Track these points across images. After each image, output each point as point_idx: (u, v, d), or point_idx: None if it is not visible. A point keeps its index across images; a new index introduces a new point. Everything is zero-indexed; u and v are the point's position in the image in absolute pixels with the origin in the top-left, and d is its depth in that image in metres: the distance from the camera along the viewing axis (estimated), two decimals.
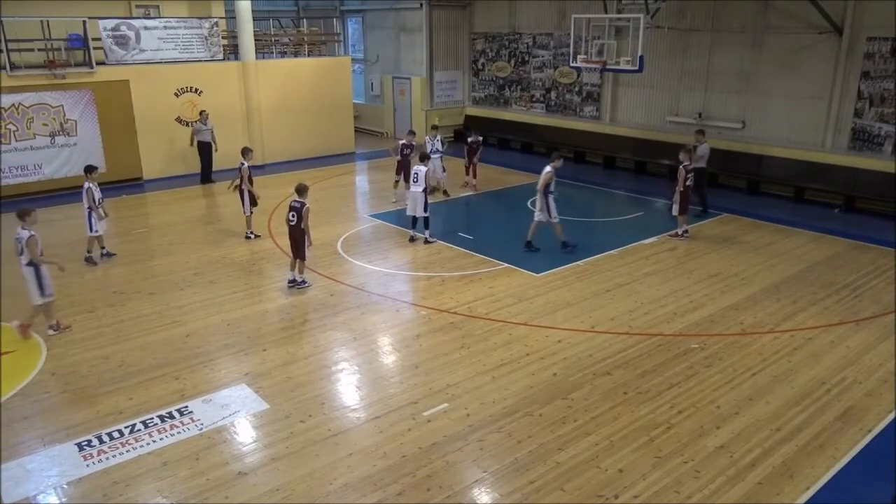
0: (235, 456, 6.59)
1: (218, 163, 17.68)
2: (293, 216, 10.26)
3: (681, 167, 12.68)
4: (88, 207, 11.45)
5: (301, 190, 10.37)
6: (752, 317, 9.60)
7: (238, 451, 6.69)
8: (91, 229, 11.62)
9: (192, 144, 17.38)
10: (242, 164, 12.72)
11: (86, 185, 11.46)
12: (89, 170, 11.64)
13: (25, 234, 8.72)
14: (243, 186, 12.73)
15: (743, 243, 12.81)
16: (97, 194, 11.51)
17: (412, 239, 12.80)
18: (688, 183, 12.66)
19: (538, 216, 11.96)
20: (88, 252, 11.88)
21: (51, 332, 9.12)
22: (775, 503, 5.92)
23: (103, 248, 12.05)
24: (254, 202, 12.92)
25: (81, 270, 11.48)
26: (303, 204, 10.22)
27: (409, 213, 12.66)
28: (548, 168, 11.76)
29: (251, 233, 13.12)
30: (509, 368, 8.16)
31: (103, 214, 11.63)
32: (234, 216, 13.88)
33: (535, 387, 7.75)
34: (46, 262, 8.99)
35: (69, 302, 10.17)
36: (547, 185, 11.69)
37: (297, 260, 10.55)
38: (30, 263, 8.80)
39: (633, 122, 19.43)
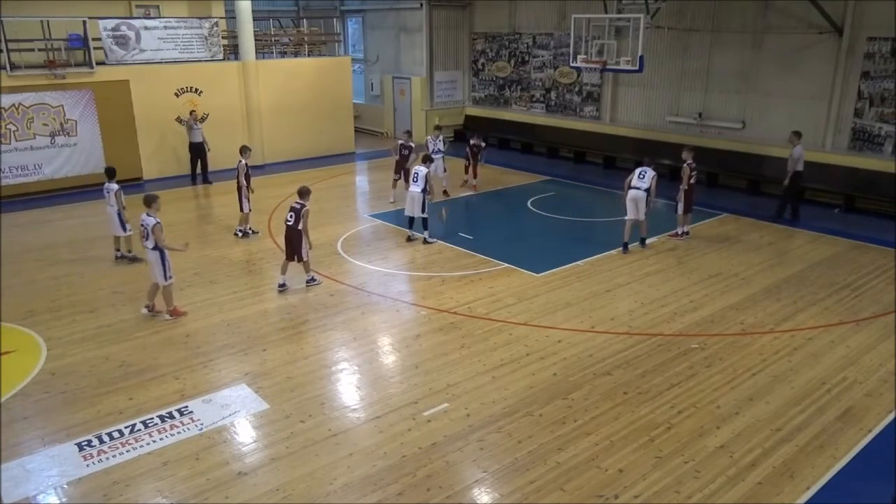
0: (235, 456, 6.59)
1: (216, 163, 17.68)
2: (291, 216, 10.26)
3: (685, 165, 12.68)
4: (118, 210, 11.45)
5: (303, 192, 10.39)
6: (753, 317, 9.60)
7: (238, 451, 6.69)
8: (124, 230, 11.61)
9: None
10: (240, 161, 12.78)
11: (113, 187, 11.44)
12: (110, 173, 11.60)
13: (151, 220, 9.25)
14: (240, 184, 12.77)
15: (743, 243, 12.81)
16: (122, 197, 11.52)
17: (409, 239, 12.80)
18: (692, 181, 12.67)
19: (640, 216, 12.20)
20: (117, 249, 11.90)
21: (167, 317, 9.54)
22: (775, 503, 5.92)
23: (117, 249, 11.95)
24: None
25: (81, 270, 11.48)
26: (303, 205, 10.22)
27: (406, 213, 12.65)
28: (654, 172, 12.17)
29: (249, 229, 13.20)
30: (509, 368, 8.16)
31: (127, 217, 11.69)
32: (234, 216, 13.88)
33: (535, 387, 7.75)
34: (170, 248, 9.42)
35: (70, 302, 10.19)
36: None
37: (289, 262, 10.47)
38: (155, 248, 9.28)
39: (633, 122, 19.43)
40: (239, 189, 12.85)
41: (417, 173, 12.37)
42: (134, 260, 11.71)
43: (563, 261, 11.77)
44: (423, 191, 12.27)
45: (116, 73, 17.02)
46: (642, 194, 12.05)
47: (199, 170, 17.61)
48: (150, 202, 9.39)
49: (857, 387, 7.75)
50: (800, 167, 13.63)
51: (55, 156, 16.43)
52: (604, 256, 12.07)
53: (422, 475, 6.25)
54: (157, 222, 9.26)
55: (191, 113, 17.51)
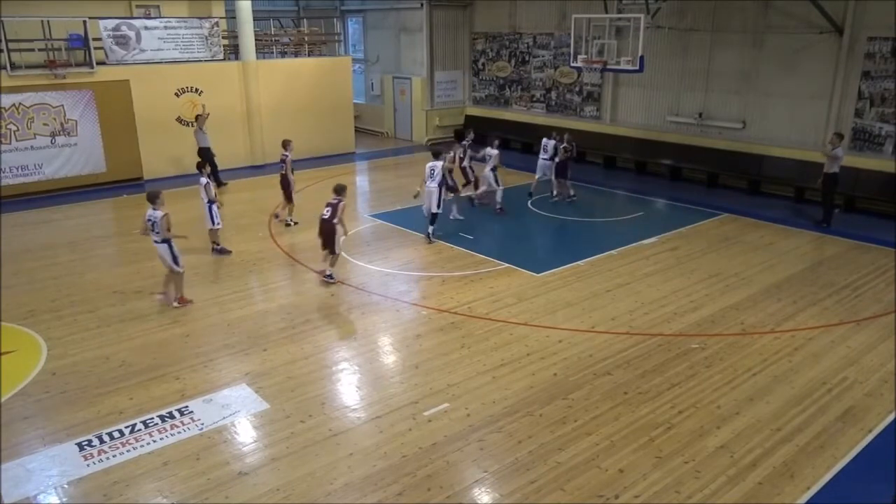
0: (236, 456, 6.59)
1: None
2: (328, 211, 10.54)
3: (561, 147, 14.86)
4: (209, 202, 11.76)
5: (339, 189, 10.67)
6: (753, 317, 9.60)
7: (238, 450, 6.69)
8: (213, 222, 11.89)
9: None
10: (286, 155, 13.41)
11: (203, 180, 11.79)
12: (201, 165, 12.07)
13: (159, 213, 9.51)
14: (288, 178, 13.48)
15: (743, 243, 12.81)
16: (213, 189, 11.93)
17: (430, 241, 12.68)
18: (563, 157, 14.95)
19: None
20: (214, 243, 12.27)
21: (176, 305, 9.92)
22: (775, 503, 5.92)
23: (216, 243, 12.31)
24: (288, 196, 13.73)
25: (82, 270, 11.49)
26: (340, 200, 10.53)
27: (424, 208, 12.79)
28: (555, 142, 15.10)
29: (291, 220, 13.83)
30: (510, 368, 8.16)
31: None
32: (234, 216, 13.91)
33: (536, 387, 7.75)
34: (175, 237, 9.71)
35: (69, 302, 10.19)
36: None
37: (330, 254, 10.71)
38: (163, 241, 9.62)
39: (634, 122, 19.42)
40: (285, 183, 13.49)
41: (434, 168, 12.38)
42: (222, 252, 12.10)
43: (563, 261, 11.77)
44: (440, 185, 12.31)
45: (117, 73, 17.01)
46: (549, 163, 15.06)
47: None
48: (154, 198, 9.60)
49: (858, 387, 7.75)
50: (836, 168, 13.34)
51: (55, 156, 16.42)
52: (604, 256, 12.06)
53: (422, 475, 6.25)
54: (166, 214, 9.52)
55: (197, 117, 17.04)
